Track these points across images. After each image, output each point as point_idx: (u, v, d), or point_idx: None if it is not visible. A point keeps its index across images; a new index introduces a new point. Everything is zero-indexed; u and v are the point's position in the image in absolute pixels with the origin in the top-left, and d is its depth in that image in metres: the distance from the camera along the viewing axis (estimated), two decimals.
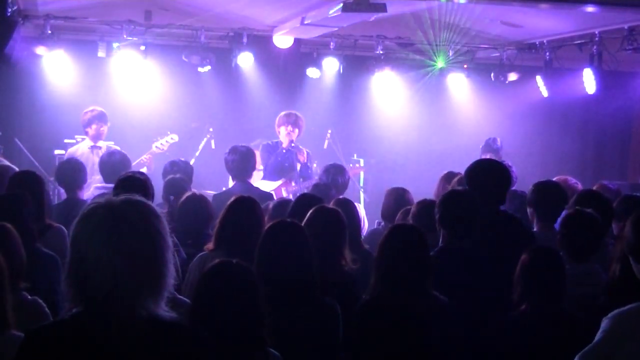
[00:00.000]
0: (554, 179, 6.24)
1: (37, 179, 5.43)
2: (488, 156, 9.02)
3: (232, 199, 4.86)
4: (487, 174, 5.03)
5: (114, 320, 2.23)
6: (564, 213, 5.61)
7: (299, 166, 8.59)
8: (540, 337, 3.87)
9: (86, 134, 8.63)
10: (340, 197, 5.99)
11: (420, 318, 3.96)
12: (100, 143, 8.57)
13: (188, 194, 5.71)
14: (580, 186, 6.69)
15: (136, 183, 5.13)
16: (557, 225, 5.62)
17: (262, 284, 3.29)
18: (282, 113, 8.84)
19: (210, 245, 4.71)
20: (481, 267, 4.48)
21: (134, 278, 2.23)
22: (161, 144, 8.85)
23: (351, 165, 9.30)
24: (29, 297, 3.49)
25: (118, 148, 8.36)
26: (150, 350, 2.27)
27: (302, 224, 4.30)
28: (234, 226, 4.65)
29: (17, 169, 6.50)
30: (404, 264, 3.98)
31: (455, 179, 6.11)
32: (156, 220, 2.33)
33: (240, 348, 3.12)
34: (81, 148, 8.56)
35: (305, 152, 8.69)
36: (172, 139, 8.92)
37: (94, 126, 8.50)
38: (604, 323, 3.07)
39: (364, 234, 6.24)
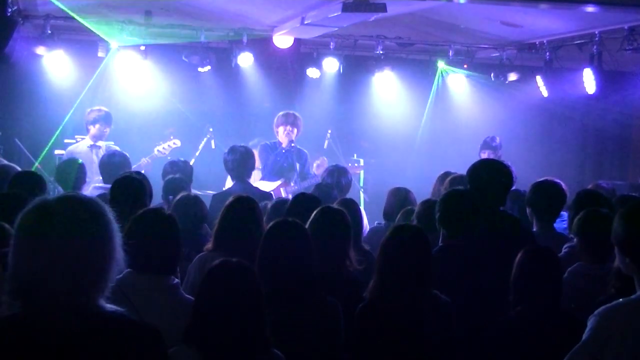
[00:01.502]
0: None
1: (38, 179, 5.44)
2: (486, 154, 9.04)
3: (231, 198, 4.86)
4: (489, 174, 5.03)
5: (55, 319, 2.24)
6: (563, 215, 5.62)
7: (298, 166, 8.60)
8: (537, 337, 3.87)
9: (87, 131, 8.63)
10: (346, 197, 5.99)
11: (421, 318, 3.96)
12: (100, 142, 8.59)
13: (182, 194, 5.69)
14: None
15: (132, 183, 5.13)
16: (561, 226, 5.64)
17: (263, 283, 3.29)
18: (280, 113, 8.85)
19: (209, 246, 4.71)
20: (480, 266, 4.49)
21: (72, 274, 2.24)
22: (163, 148, 8.87)
23: (350, 164, 9.30)
24: None
25: (118, 148, 8.37)
26: (96, 346, 2.27)
27: (307, 225, 4.31)
28: (233, 226, 4.65)
29: (18, 169, 6.50)
30: (405, 265, 3.98)
31: (448, 179, 6.12)
32: (89, 218, 2.30)
33: (243, 349, 3.12)
34: (80, 147, 8.57)
35: (307, 155, 8.75)
36: (174, 143, 8.94)
37: (97, 126, 8.54)
38: (591, 320, 3.06)
39: (364, 234, 6.23)
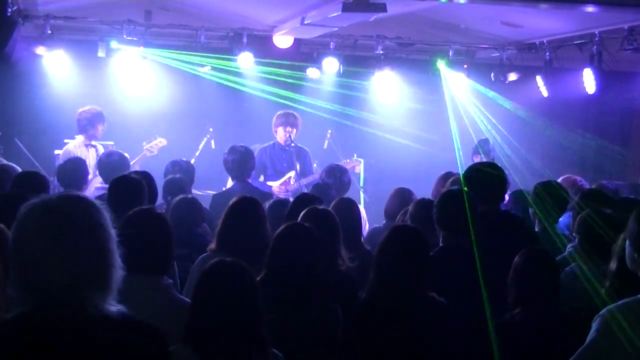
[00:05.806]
0: (560, 179, 6.22)
1: (41, 179, 5.44)
2: (478, 159, 9.03)
3: (235, 199, 4.85)
4: (485, 175, 5.04)
5: (64, 318, 2.22)
6: (568, 215, 5.60)
7: (298, 165, 8.61)
8: (536, 339, 3.86)
9: (85, 132, 8.59)
10: (345, 196, 5.98)
11: (416, 319, 3.96)
12: (95, 142, 8.58)
13: (180, 196, 5.67)
14: (587, 187, 6.69)
15: (129, 183, 5.10)
16: (563, 226, 5.64)
17: (270, 284, 3.29)
18: (279, 113, 8.90)
19: (212, 246, 4.71)
20: (481, 267, 4.47)
21: (81, 273, 2.23)
22: (151, 147, 8.86)
23: (347, 160, 9.25)
24: None
25: (114, 148, 8.37)
26: (103, 347, 2.26)
27: None
28: (236, 226, 4.64)
29: (19, 169, 6.49)
30: (403, 265, 3.98)
31: (450, 180, 6.12)
32: (96, 212, 2.31)
33: (240, 348, 3.12)
34: (75, 146, 8.54)
35: (308, 153, 8.74)
36: (160, 142, 8.92)
37: (99, 127, 8.52)
38: (597, 321, 3.05)
39: (365, 234, 6.23)
